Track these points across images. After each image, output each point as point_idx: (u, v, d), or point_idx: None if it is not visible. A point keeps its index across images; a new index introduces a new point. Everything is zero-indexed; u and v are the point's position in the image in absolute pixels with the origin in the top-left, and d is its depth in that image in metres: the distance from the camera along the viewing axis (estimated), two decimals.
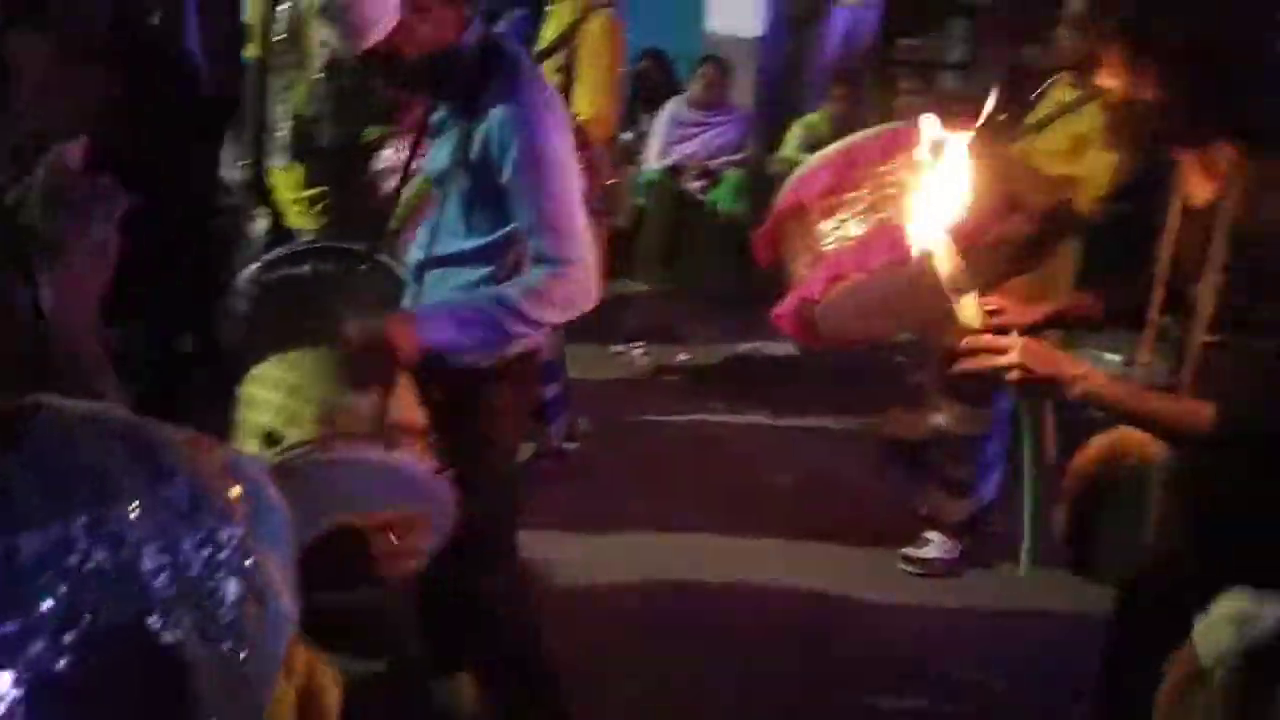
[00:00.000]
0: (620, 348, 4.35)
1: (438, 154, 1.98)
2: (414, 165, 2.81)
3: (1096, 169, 2.59)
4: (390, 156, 2.87)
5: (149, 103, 2.39)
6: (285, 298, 2.10)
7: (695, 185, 4.78)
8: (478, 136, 1.83)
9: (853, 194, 2.21)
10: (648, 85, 4.94)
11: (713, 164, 4.79)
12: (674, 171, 4.69)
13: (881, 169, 2.18)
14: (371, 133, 2.96)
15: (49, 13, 2.43)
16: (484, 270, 1.92)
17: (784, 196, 2.33)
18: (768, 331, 4.43)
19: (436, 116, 1.97)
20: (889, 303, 2.27)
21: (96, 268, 1.60)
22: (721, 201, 4.72)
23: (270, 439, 1.73)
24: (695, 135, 4.90)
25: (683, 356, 4.40)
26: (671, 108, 4.94)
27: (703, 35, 5.74)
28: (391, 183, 2.82)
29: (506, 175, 1.81)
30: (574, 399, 3.51)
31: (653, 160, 4.84)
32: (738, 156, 4.82)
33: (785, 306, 2.20)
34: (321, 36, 1.87)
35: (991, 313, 1.90)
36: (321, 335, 1.82)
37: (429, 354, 1.79)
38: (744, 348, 4.45)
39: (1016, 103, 5.19)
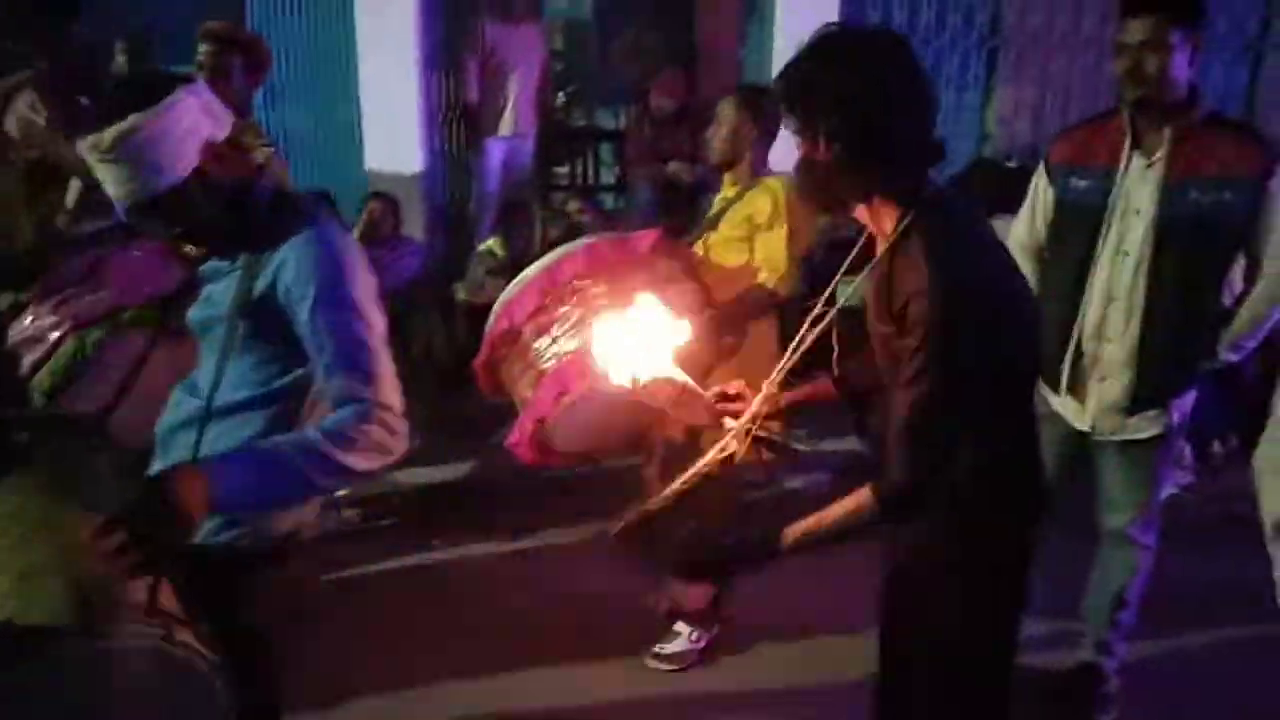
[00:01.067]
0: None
1: (211, 299, 1.78)
2: (62, 329, 2.50)
3: (770, 250, 2.81)
4: (29, 326, 2.53)
5: None
6: None
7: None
8: (264, 278, 1.70)
9: (562, 309, 2.23)
10: None
11: (397, 297, 4.70)
12: None
13: (586, 283, 2.22)
14: (4, 299, 2.60)
15: None
16: (263, 423, 1.74)
17: (494, 323, 2.31)
18: (479, 456, 4.35)
19: (208, 264, 1.80)
20: (615, 412, 2.29)
21: None
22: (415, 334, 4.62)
23: None
24: (373, 271, 4.79)
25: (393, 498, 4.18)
26: None
27: (365, 175, 5.70)
28: (36, 353, 2.49)
29: (303, 317, 1.67)
30: None
31: None
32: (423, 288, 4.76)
33: (517, 433, 2.15)
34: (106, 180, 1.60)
35: (729, 398, 1.98)
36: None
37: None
38: (456, 476, 4.32)
39: (668, 211, 5.61)
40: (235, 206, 1.72)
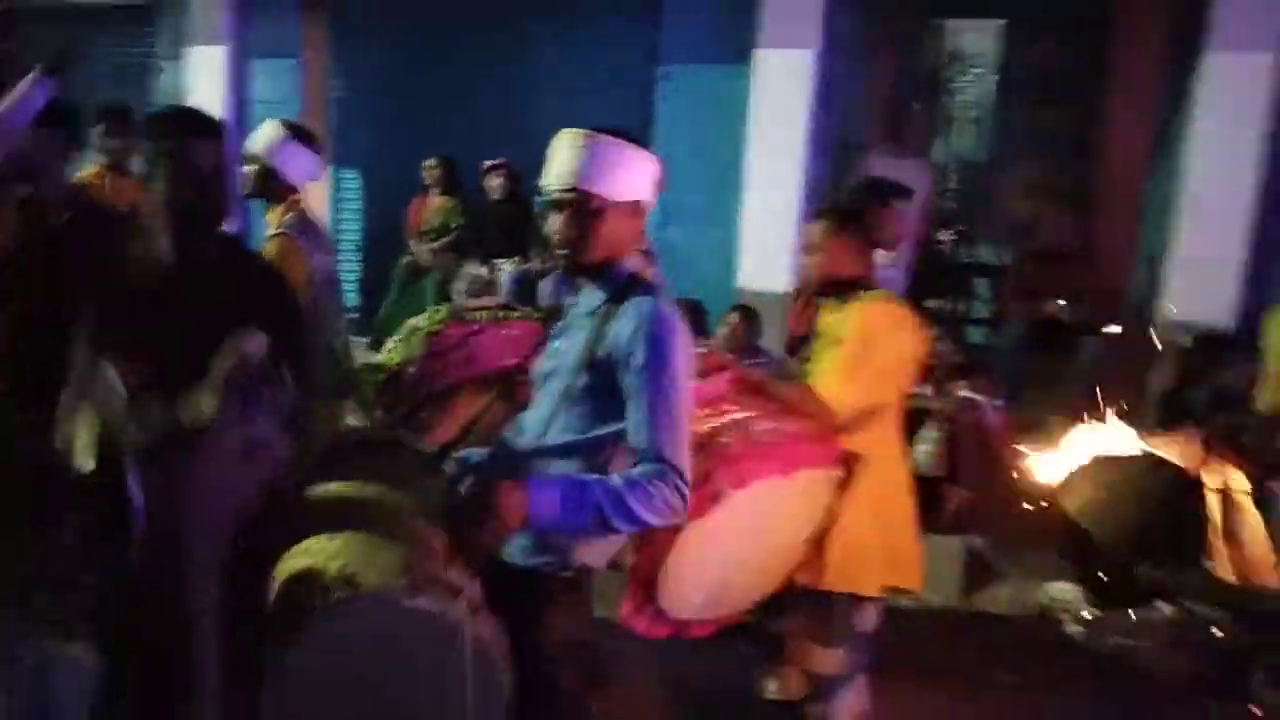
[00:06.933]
0: None
1: (557, 354, 2.07)
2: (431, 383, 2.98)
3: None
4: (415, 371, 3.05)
5: None
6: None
7: None
8: (607, 340, 1.93)
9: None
10: None
11: None
12: None
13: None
14: None
15: None
16: (582, 465, 1.96)
17: None
18: None
19: (573, 313, 2.10)
20: (728, 569, 2.14)
21: (247, 470, 2.18)
22: None
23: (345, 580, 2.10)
24: None
25: None
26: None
27: (734, 290, 6.07)
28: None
29: (629, 373, 1.89)
30: None
31: None
32: None
33: (627, 606, 2.05)
34: None
35: None
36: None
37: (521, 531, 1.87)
38: None
39: (1037, 353, 5.29)
40: (604, 269, 2.01)
